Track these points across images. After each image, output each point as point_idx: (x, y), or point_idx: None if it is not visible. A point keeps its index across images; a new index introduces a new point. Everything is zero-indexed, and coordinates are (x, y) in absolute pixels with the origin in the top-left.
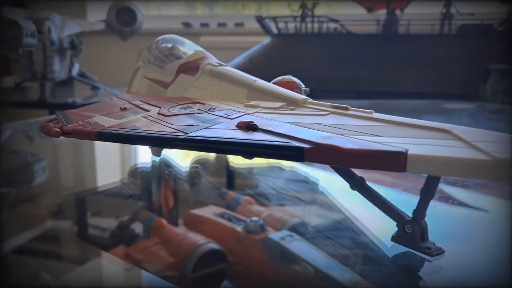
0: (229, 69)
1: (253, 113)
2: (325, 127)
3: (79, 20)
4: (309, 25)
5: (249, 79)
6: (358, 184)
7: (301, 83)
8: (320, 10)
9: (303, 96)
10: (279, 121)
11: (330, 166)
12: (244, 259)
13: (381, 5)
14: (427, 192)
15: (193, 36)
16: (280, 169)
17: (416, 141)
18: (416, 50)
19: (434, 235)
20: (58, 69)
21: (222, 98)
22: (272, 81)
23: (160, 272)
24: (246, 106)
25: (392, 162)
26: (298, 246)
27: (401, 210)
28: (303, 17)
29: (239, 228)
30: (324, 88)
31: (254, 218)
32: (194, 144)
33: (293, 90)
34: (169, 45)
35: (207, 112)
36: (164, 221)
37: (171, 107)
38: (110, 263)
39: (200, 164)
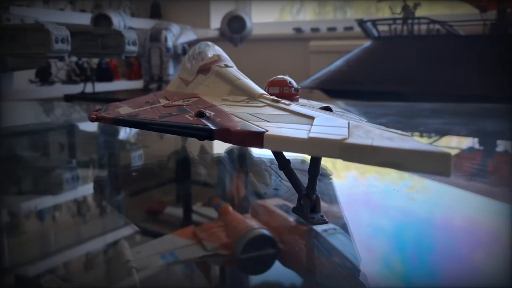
0: (230, 70)
1: (220, 104)
2: (247, 115)
3: (197, 29)
4: (410, 27)
5: (234, 78)
6: (283, 165)
7: (292, 81)
8: (421, 11)
9: (261, 91)
10: (225, 110)
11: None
12: (290, 247)
13: (494, 4)
14: (313, 171)
15: (304, 41)
16: (302, 161)
17: (286, 125)
18: None
19: None
20: (173, 73)
21: (216, 94)
22: (269, 80)
23: (215, 250)
24: (223, 99)
25: (255, 140)
26: (338, 239)
27: (304, 187)
28: (404, 20)
29: (292, 219)
30: (423, 91)
31: None
32: (156, 127)
33: (283, 88)
34: (200, 50)
35: (193, 105)
36: (230, 207)
37: (176, 100)
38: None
39: (227, 153)
